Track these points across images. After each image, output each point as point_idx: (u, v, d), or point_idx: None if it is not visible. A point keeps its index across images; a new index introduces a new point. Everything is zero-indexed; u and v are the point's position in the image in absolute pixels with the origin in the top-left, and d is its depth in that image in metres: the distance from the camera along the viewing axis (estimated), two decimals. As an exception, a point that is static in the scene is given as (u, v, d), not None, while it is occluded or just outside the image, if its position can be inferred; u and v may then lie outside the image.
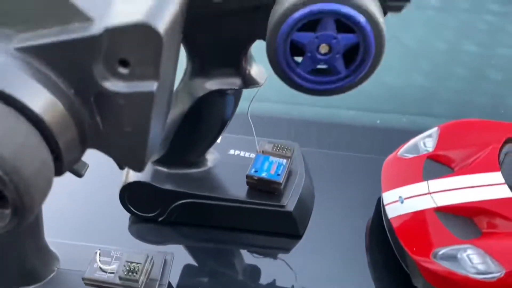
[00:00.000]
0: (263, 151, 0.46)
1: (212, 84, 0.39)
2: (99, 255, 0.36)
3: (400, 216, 0.42)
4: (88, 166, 0.28)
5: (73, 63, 0.21)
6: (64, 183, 0.47)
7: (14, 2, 0.20)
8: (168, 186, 0.44)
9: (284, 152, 0.46)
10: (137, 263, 0.35)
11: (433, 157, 0.45)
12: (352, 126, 0.58)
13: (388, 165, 0.47)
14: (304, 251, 0.45)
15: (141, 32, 0.20)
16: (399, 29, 0.69)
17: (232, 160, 0.47)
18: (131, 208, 0.46)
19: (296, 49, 0.30)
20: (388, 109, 0.61)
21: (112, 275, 0.35)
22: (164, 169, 0.45)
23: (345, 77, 0.30)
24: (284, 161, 0.45)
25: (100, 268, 0.35)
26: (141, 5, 0.21)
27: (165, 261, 0.39)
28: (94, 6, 0.20)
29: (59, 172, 0.23)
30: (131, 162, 0.25)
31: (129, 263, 0.35)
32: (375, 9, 0.27)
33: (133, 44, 0.20)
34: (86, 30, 0.20)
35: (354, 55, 0.29)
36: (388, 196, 0.44)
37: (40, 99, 0.20)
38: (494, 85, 0.63)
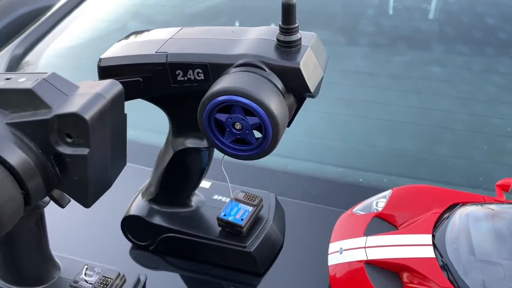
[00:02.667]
0: (235, 199, 0.55)
1: (187, 143, 0.49)
2: (86, 269, 0.47)
3: (336, 265, 0.48)
4: (70, 200, 0.40)
5: (39, 134, 0.33)
6: (84, 214, 0.61)
7: (10, 96, 0.33)
8: (157, 221, 0.55)
9: (252, 200, 0.54)
10: (110, 278, 0.46)
11: (380, 216, 0.51)
12: (336, 182, 0.65)
13: (341, 219, 0.53)
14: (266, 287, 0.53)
15: (74, 118, 0.32)
16: (397, 97, 0.75)
17: (213, 203, 0.57)
18: (129, 237, 0.57)
19: (221, 125, 0.39)
20: (374, 169, 0.67)
21: (90, 285, 0.46)
22: (156, 207, 0.56)
23: (256, 147, 0.39)
24: (250, 208, 0.54)
25: (84, 279, 0.47)
26: (80, 101, 0.32)
27: (139, 280, 0.49)
28: (55, 99, 0.33)
29: (28, 203, 0.34)
30: (80, 199, 0.36)
31: (104, 278, 0.46)
32: (272, 102, 0.36)
33: (71, 125, 0.32)
34: (46, 114, 0.32)
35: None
36: (332, 247, 0.50)
37: (16, 156, 0.32)
38: (480, 154, 0.66)
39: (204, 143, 0.48)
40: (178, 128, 0.49)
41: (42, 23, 1.08)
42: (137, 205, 0.56)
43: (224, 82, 0.38)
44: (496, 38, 0.82)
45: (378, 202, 0.53)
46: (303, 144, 0.72)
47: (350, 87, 0.78)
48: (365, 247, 0.48)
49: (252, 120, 0.37)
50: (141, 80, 0.42)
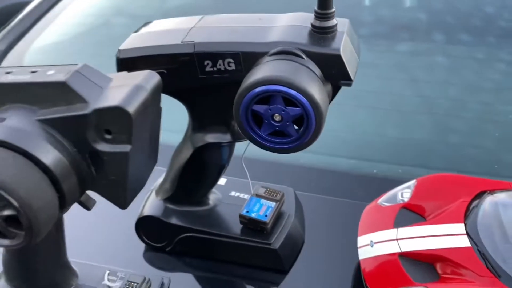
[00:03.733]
0: (256, 194, 0.53)
1: (208, 138, 0.47)
2: (108, 274, 0.45)
3: (368, 258, 0.47)
4: (95, 202, 0.37)
5: (74, 130, 0.30)
6: (96, 216, 0.58)
7: (39, 90, 0.30)
8: (174, 221, 0.52)
9: (274, 196, 0.53)
10: (135, 283, 0.43)
11: (407, 207, 0.50)
12: (349, 174, 0.64)
13: (367, 212, 0.52)
14: (291, 286, 0.51)
15: (117, 112, 0.29)
16: (405, 86, 0.74)
17: (231, 201, 0.55)
18: (144, 238, 0.54)
19: (258, 117, 0.37)
20: (387, 160, 0.66)
21: (115, 291, 0.43)
22: (172, 206, 0.53)
23: (296, 139, 0.37)
24: (273, 204, 0.52)
25: (107, 285, 0.44)
26: (120, 93, 0.30)
27: (163, 284, 0.47)
28: (91, 93, 0.30)
29: (63, 206, 0.31)
30: (116, 201, 0.34)
31: (129, 282, 0.43)
32: (315, 89, 0.35)
33: (112, 120, 0.29)
34: (83, 109, 0.30)
35: (301, 123, 0.36)
36: (362, 240, 0.49)
37: (50, 156, 0.30)
38: (492, 141, 0.66)
39: (226, 138, 0.46)
40: (200, 122, 0.47)
41: (24, 19, 1.03)
42: (152, 205, 0.54)
43: (263, 71, 0.36)
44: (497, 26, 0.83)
45: (403, 193, 0.52)
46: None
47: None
48: (397, 239, 0.47)
49: (293, 111, 0.35)
50: (165, 72, 0.40)
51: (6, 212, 0.29)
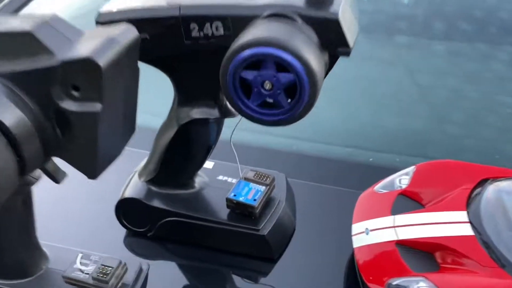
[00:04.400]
0: (245, 178, 0.50)
1: (194, 113, 0.44)
2: (81, 257, 0.41)
3: (363, 246, 0.44)
4: (66, 175, 0.33)
5: (38, 86, 0.26)
6: (72, 198, 0.55)
7: (0, 41, 0.27)
8: (157, 204, 0.49)
9: (264, 180, 0.49)
10: (110, 267, 0.40)
11: (405, 194, 0.47)
12: (344, 162, 0.61)
13: (362, 198, 0.49)
14: (280, 275, 0.48)
15: (86, 65, 0.26)
16: (403, 74, 0.72)
17: (218, 184, 0.51)
18: (125, 222, 0.51)
19: (247, 86, 0.34)
20: (383, 149, 0.63)
21: (87, 275, 0.40)
22: (155, 189, 0.50)
23: (287, 110, 0.34)
24: (263, 188, 0.49)
25: (79, 269, 0.40)
26: (91, 45, 0.26)
27: (141, 269, 0.43)
28: (59, 44, 0.26)
29: (23, 172, 0.28)
30: (85, 169, 0.30)
31: (103, 266, 0.40)
32: (311, 55, 0.31)
33: (81, 74, 0.26)
34: (48, 61, 0.26)
35: (295, 91, 0.33)
36: (356, 228, 0.46)
37: (9, 114, 0.26)
38: (492, 131, 0.64)
39: (214, 113, 0.43)
40: (185, 96, 0.43)
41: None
42: (134, 187, 0.50)
43: (253, 33, 0.33)
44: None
45: (401, 179, 0.49)
46: (306, 123, 0.67)
47: (351, 63, 0.73)
48: (394, 227, 0.44)
49: (285, 77, 0.32)
50: (148, 37, 0.37)
51: None
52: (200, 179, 0.51)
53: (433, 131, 0.64)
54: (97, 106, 0.27)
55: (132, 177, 0.51)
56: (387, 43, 0.81)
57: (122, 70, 0.28)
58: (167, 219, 0.49)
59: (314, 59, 0.32)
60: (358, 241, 0.45)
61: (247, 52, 0.32)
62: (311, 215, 0.53)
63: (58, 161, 0.33)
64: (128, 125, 0.32)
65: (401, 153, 0.62)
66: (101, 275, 0.39)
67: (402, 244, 0.42)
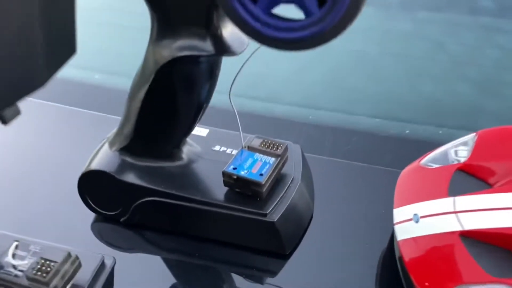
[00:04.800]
0: (249, 147, 0.38)
1: (178, 48, 0.31)
2: (15, 247, 0.29)
3: (412, 239, 0.32)
4: (19, 114, 0.21)
5: None
6: (21, 171, 0.43)
7: None
8: (131, 179, 0.37)
9: (273, 149, 0.37)
10: (53, 262, 0.28)
11: (465, 169, 0.35)
12: (374, 135, 0.49)
13: (406, 175, 0.37)
14: (291, 275, 0.36)
15: None
16: (444, 34, 0.59)
17: (214, 156, 0.39)
18: (91, 203, 0.39)
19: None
20: (422, 120, 0.51)
21: (21, 273, 0.28)
22: (130, 160, 0.38)
23: (317, 21, 0.21)
24: (272, 160, 0.37)
25: (12, 264, 0.28)
26: None
27: (103, 264, 0.31)
28: None
29: None
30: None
31: (43, 261, 0.28)
32: None
33: None
34: None
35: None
36: (400, 213, 0.34)
37: None
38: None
39: (207, 47, 0.31)
40: (167, 22, 0.31)
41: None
42: (102, 157, 0.38)
43: None
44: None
45: (458, 150, 0.37)
46: (326, 89, 0.55)
47: (380, 18, 0.60)
48: (455, 212, 0.31)
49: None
50: None
51: None
52: (189, 149, 0.39)
53: (483, 98, 0.52)
54: None
55: (102, 146, 0.40)
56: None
57: None
58: (144, 200, 0.37)
59: None
60: (404, 232, 0.32)
61: None
62: (332, 198, 0.41)
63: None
64: (59, 44, 0.20)
65: (444, 125, 0.50)
66: (39, 273, 0.27)
67: (469, 236, 0.30)
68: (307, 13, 0.21)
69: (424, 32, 0.60)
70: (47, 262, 0.28)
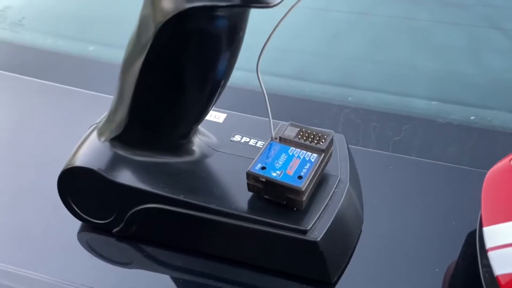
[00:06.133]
0: (280, 138, 0.28)
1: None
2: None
3: (519, 274, 0.22)
4: None
5: None
6: None
7: None
8: (125, 180, 0.29)
9: (315, 142, 0.28)
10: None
11: None
12: (432, 121, 0.39)
13: (494, 180, 0.27)
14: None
15: None
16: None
17: (234, 150, 0.31)
18: (76, 209, 0.30)
19: None
20: (493, 104, 0.41)
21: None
22: (124, 154, 0.29)
23: None
24: (314, 156, 0.27)
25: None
26: None
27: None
28: None
29: None
30: None
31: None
32: None
33: None
34: None
35: None
36: (495, 234, 0.24)
37: None
38: None
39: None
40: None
41: None
42: (89, 150, 0.30)
43: None
44: None
45: None
46: (367, 64, 0.46)
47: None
48: None
49: None
50: None
51: None
52: (202, 140, 0.31)
53: None
54: None
55: (89, 134, 0.31)
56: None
57: None
58: (143, 207, 0.28)
59: None
60: (506, 263, 0.23)
61: None
62: (385, 205, 0.32)
63: None
64: None
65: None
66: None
67: None
68: None
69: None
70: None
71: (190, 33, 0.23)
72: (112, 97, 0.30)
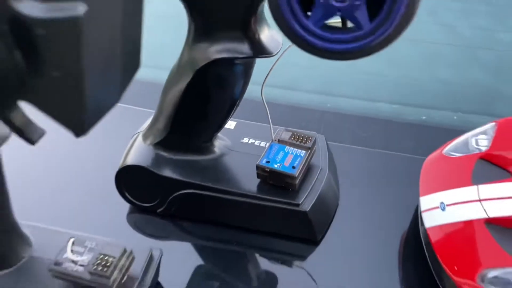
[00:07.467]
0: (279, 140, 0.39)
1: (216, 52, 0.33)
2: (72, 243, 0.31)
3: (440, 226, 0.34)
4: (44, 133, 0.23)
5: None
6: (61, 168, 0.45)
7: None
8: (167, 173, 0.39)
9: (303, 142, 0.39)
10: (112, 257, 0.30)
11: (486, 158, 0.37)
12: (392, 121, 0.50)
13: (429, 164, 0.39)
14: (321, 260, 0.38)
15: None
16: (457, 19, 0.60)
17: (244, 149, 0.41)
18: (128, 196, 0.41)
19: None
20: (438, 105, 0.53)
21: (82, 268, 0.30)
22: (165, 154, 0.40)
23: (367, 34, 0.23)
24: (303, 152, 0.38)
25: (71, 259, 0.30)
26: None
27: (151, 257, 0.33)
28: None
29: None
30: (67, 120, 0.20)
31: (102, 256, 0.30)
32: None
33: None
34: None
35: (378, 7, 0.22)
36: (426, 201, 0.36)
37: None
38: None
39: (244, 49, 0.32)
40: (205, 26, 0.32)
41: None
42: (138, 152, 0.40)
43: None
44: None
45: (478, 139, 0.39)
46: (344, 77, 0.57)
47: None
48: (479, 200, 0.34)
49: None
50: None
51: None
52: (220, 143, 0.41)
53: (497, 83, 0.54)
54: (78, 8, 0.16)
55: (135, 140, 0.41)
56: None
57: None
58: (181, 192, 0.39)
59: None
60: (432, 219, 0.34)
61: None
62: (356, 186, 0.43)
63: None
64: (129, 60, 0.21)
65: (457, 110, 0.52)
66: (100, 267, 0.29)
67: (494, 223, 0.32)
68: (358, 26, 0.23)
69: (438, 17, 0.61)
70: (106, 258, 0.30)
71: (218, 72, 0.34)
72: (137, 108, 0.39)
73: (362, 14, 0.22)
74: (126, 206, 0.42)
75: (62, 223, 0.37)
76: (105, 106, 0.21)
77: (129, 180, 0.40)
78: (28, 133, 0.22)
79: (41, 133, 0.23)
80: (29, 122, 0.22)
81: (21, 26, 0.16)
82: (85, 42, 0.17)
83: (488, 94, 0.53)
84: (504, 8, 0.63)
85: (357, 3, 0.22)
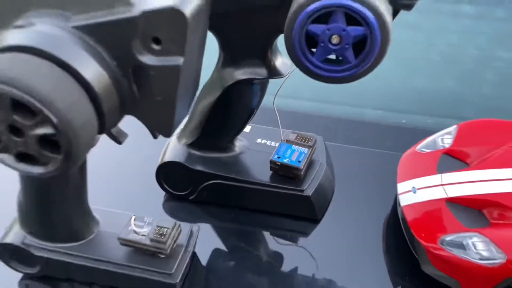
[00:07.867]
0: (287, 140, 0.50)
1: (240, 74, 0.43)
2: (134, 219, 0.41)
3: (412, 204, 0.44)
4: (127, 136, 0.33)
5: (116, 39, 0.25)
6: (108, 163, 0.54)
7: None
8: (199, 167, 0.49)
9: (306, 142, 0.49)
10: (166, 228, 0.40)
11: (449, 153, 0.47)
12: (378, 124, 0.61)
13: (405, 158, 0.49)
14: (322, 235, 0.48)
15: (170, 15, 0.25)
16: (432, 35, 0.71)
17: (258, 147, 0.51)
18: (166, 186, 0.51)
19: (311, 40, 0.33)
20: (415, 110, 0.63)
21: (144, 237, 0.40)
22: (196, 152, 0.50)
23: (353, 66, 0.33)
24: (306, 150, 0.49)
25: (134, 231, 0.40)
26: None
27: (192, 231, 0.43)
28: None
29: (101, 130, 0.27)
30: (160, 127, 0.30)
31: (159, 228, 0.40)
32: (382, 6, 0.31)
33: (164, 25, 0.25)
34: (128, 12, 0.25)
35: (362, 47, 0.33)
36: (402, 186, 0.46)
37: (90, 69, 0.25)
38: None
39: (262, 72, 0.42)
40: (232, 55, 0.42)
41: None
42: (175, 151, 0.50)
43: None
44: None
45: (444, 138, 0.49)
46: (335, 87, 0.67)
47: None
48: (442, 185, 0.44)
49: (355, 30, 0.31)
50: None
51: (42, 130, 0.25)
52: (239, 143, 0.51)
53: (464, 91, 0.64)
54: (179, 60, 0.26)
55: (170, 141, 0.51)
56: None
57: (200, 22, 0.27)
58: (209, 182, 0.49)
59: (385, 10, 0.31)
60: (406, 200, 0.45)
61: (316, 4, 0.31)
62: (348, 177, 0.54)
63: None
64: (195, 84, 0.31)
65: (432, 115, 0.62)
66: (158, 236, 0.39)
67: (452, 201, 0.43)
68: (347, 61, 0.33)
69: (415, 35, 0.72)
70: (162, 228, 0.40)
71: (242, 89, 0.44)
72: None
73: (349, 53, 0.32)
74: (162, 195, 0.52)
75: (116, 208, 0.47)
76: (182, 116, 0.31)
77: (167, 173, 0.50)
78: (119, 137, 0.32)
79: (125, 136, 0.32)
80: (120, 130, 0.32)
81: (141, 70, 0.26)
82: (180, 80, 0.26)
83: (456, 101, 0.63)
84: (473, 27, 0.73)
85: (347, 46, 0.32)
